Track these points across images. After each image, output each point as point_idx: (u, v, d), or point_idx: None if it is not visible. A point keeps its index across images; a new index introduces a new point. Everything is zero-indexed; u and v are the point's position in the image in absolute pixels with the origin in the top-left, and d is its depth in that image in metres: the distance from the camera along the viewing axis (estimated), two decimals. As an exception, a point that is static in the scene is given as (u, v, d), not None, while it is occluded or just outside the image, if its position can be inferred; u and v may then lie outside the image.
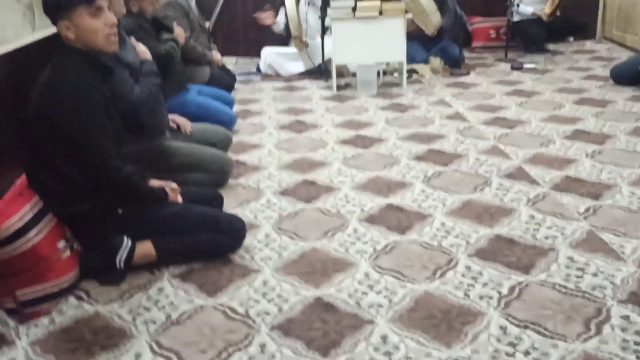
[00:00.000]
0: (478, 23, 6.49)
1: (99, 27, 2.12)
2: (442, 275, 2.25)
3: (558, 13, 5.93)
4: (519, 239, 2.48)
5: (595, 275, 2.19)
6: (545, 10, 5.91)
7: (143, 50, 2.81)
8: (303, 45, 5.51)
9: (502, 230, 2.57)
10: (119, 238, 2.28)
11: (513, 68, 5.64)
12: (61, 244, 2.17)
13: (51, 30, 2.85)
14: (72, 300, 2.18)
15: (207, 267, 2.36)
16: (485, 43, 6.51)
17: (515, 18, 5.97)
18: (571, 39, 6.64)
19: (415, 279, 2.22)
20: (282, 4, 5.52)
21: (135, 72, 2.71)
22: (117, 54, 2.56)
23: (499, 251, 2.40)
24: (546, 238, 2.48)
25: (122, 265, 2.27)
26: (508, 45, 6.06)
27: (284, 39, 5.80)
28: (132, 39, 2.83)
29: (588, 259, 2.31)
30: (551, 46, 6.32)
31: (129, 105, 2.54)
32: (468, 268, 2.28)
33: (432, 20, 5.23)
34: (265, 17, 5.60)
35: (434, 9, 5.18)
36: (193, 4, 4.72)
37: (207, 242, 2.39)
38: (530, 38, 6.11)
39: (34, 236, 2.05)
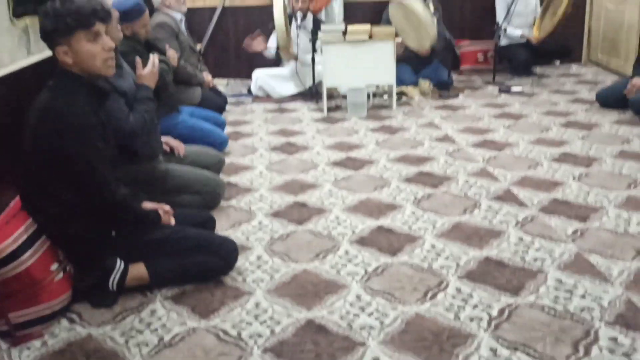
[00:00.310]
0: (466, 46, 6.59)
1: (97, 52, 2.16)
2: (432, 297, 2.27)
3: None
4: (508, 261, 2.52)
5: (583, 297, 2.23)
6: (534, 34, 6.00)
7: (144, 75, 2.80)
8: (291, 56, 5.54)
9: (492, 252, 2.60)
10: (112, 260, 2.29)
11: (501, 91, 5.72)
12: (54, 266, 2.18)
13: (46, 54, 2.88)
14: (64, 322, 2.18)
15: (200, 289, 2.37)
16: (473, 66, 6.60)
17: (503, 42, 6.06)
18: (557, 62, 6.75)
19: (406, 301, 2.25)
20: (274, 27, 5.59)
21: (131, 100, 2.73)
22: (114, 82, 2.59)
23: (489, 273, 2.43)
24: (535, 260, 2.52)
25: (114, 287, 2.28)
26: (495, 68, 6.15)
27: (275, 61, 5.85)
28: (138, 60, 2.81)
29: (576, 280, 2.34)
30: (538, 69, 6.42)
31: (123, 135, 2.56)
32: (458, 290, 2.31)
33: (430, 33, 5.17)
34: (255, 43, 5.64)
35: (431, 20, 5.19)
36: (183, 25, 4.78)
37: (200, 264, 2.40)
38: (517, 61, 6.19)
39: (28, 258, 2.06)
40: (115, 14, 2.94)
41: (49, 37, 2.13)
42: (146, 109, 2.73)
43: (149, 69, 2.83)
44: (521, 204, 3.10)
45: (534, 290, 2.29)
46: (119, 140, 2.42)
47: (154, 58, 2.85)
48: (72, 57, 2.14)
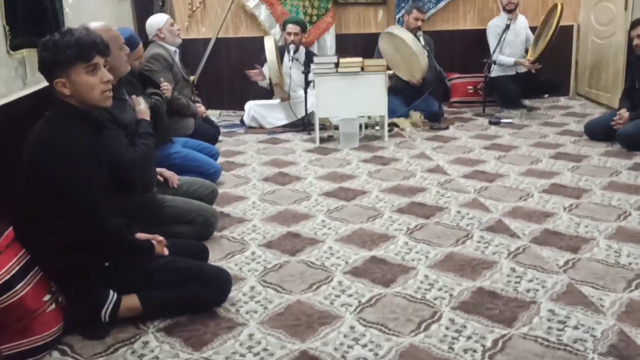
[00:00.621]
0: (456, 79, 6.67)
1: (95, 84, 2.19)
2: (426, 328, 2.27)
3: (534, 71, 6.09)
4: (501, 292, 2.53)
5: (576, 328, 2.24)
6: (527, 57, 6.10)
7: (143, 110, 2.91)
8: (285, 94, 5.60)
9: (485, 283, 2.61)
10: (105, 291, 2.28)
11: (491, 123, 5.78)
12: (47, 297, 2.17)
13: (42, 85, 2.90)
14: (55, 354, 2.16)
15: (193, 321, 2.36)
16: (463, 98, 6.67)
17: (493, 74, 6.14)
18: (546, 95, 6.82)
19: (400, 332, 2.25)
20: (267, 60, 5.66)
21: (131, 133, 2.80)
22: (115, 114, 2.65)
23: (482, 304, 2.43)
24: (527, 291, 2.53)
25: (107, 318, 2.27)
26: (485, 100, 6.22)
27: (267, 92, 5.90)
28: (134, 97, 2.90)
29: (569, 312, 2.35)
30: (527, 102, 6.50)
31: (122, 166, 2.61)
32: (452, 321, 2.31)
33: (421, 63, 5.27)
34: (255, 73, 5.71)
35: (422, 50, 5.28)
36: (177, 57, 4.82)
37: (193, 295, 2.40)
38: (507, 94, 6.27)
39: (21, 289, 2.05)
40: (127, 50, 3.03)
41: (48, 69, 2.16)
42: (145, 142, 2.81)
43: (144, 106, 2.96)
44: (513, 234, 3.12)
45: (527, 321, 2.29)
46: (117, 171, 2.44)
47: (134, 99, 2.99)
48: (70, 89, 2.17)
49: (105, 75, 2.22)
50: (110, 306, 2.26)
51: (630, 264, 2.76)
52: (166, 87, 3.94)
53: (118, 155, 2.59)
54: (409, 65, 5.41)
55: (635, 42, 4.76)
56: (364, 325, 2.30)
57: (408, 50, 5.26)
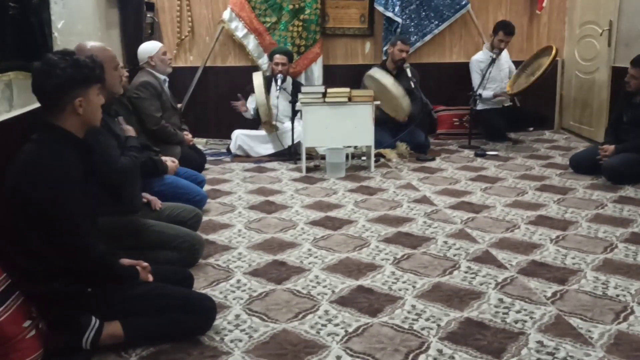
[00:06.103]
0: (442, 111, 6.73)
1: (100, 104, 2.30)
2: (414, 358, 2.24)
3: (518, 104, 6.16)
4: (489, 323, 2.51)
5: None
6: (507, 89, 6.15)
7: (129, 129, 3.06)
8: (273, 130, 5.63)
9: (472, 314, 2.59)
10: (87, 317, 2.23)
11: (476, 155, 5.82)
12: (27, 323, 2.11)
13: (28, 107, 2.88)
14: (33, 382, 2.10)
15: (176, 349, 2.31)
16: (449, 130, 6.72)
17: (479, 107, 6.21)
18: (531, 128, 6.90)
19: (388, 363, 2.21)
20: (252, 90, 5.67)
21: (122, 144, 2.90)
22: (110, 125, 2.80)
23: (470, 335, 2.41)
24: (515, 322, 2.51)
25: (88, 345, 2.21)
26: (471, 132, 6.27)
27: (254, 122, 5.90)
28: (121, 118, 3.03)
29: (557, 343, 2.34)
30: (512, 135, 6.57)
31: (114, 170, 2.71)
32: (440, 352, 2.28)
33: (403, 105, 5.40)
34: (240, 104, 5.73)
35: (402, 93, 5.37)
36: (166, 85, 4.82)
37: (177, 323, 2.35)
38: (492, 127, 6.34)
39: (0, 314, 1.99)
40: (121, 71, 3.19)
41: (71, 86, 2.17)
42: (135, 155, 2.91)
43: (132, 128, 3.12)
44: (500, 265, 3.11)
45: (516, 352, 2.27)
46: (107, 179, 2.54)
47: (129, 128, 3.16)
48: (85, 108, 2.22)
49: (102, 98, 2.32)
50: (92, 333, 2.21)
51: (617, 295, 2.75)
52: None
53: (111, 159, 2.70)
54: (393, 105, 5.49)
55: (630, 80, 4.72)
56: (351, 355, 2.26)
57: (390, 94, 5.35)
